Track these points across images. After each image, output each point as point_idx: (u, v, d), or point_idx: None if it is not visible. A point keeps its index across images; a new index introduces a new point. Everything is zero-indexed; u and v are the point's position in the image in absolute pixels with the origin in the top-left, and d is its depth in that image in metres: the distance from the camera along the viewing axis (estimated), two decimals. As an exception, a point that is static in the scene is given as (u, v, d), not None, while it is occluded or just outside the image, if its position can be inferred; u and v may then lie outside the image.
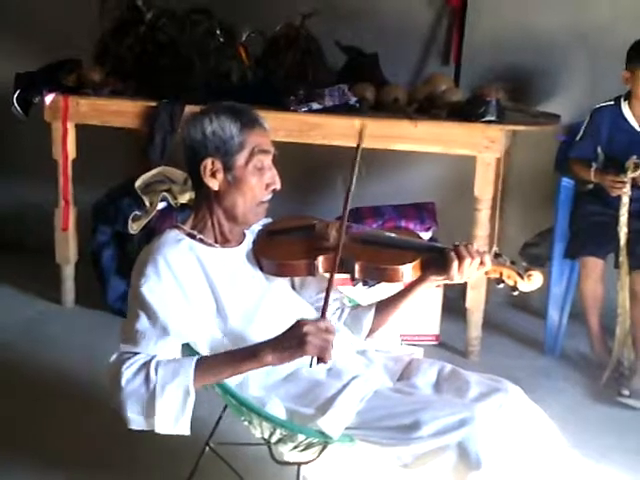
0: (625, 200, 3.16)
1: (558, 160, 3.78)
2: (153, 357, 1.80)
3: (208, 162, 1.94)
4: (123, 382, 1.76)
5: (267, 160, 1.99)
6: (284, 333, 1.77)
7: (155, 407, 1.75)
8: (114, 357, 1.83)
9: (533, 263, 3.55)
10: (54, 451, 2.63)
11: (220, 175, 1.95)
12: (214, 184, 1.96)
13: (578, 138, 3.44)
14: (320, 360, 1.75)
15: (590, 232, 3.34)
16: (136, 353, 1.81)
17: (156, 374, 1.76)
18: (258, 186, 1.97)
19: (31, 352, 3.32)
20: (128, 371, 1.77)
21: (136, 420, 1.79)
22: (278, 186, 2.00)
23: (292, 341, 1.74)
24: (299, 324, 1.75)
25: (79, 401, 2.95)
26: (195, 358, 1.82)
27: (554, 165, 3.79)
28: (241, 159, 1.95)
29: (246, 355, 1.80)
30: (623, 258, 3.17)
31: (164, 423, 1.78)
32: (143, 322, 1.84)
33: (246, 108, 2.01)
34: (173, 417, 1.78)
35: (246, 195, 1.97)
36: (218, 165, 1.94)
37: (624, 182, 3.16)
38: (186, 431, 1.81)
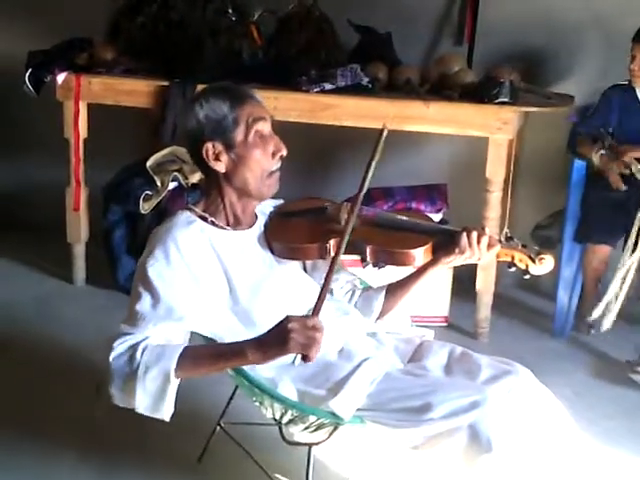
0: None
1: (571, 141, 3.75)
2: (145, 339, 1.80)
3: (209, 146, 1.94)
4: (111, 358, 1.78)
5: (266, 127, 1.97)
6: (269, 330, 1.73)
7: (135, 387, 1.76)
8: (114, 333, 1.84)
9: (544, 245, 3.56)
10: (64, 429, 2.65)
11: (224, 156, 1.95)
12: (220, 166, 1.95)
13: (589, 114, 3.43)
14: (305, 358, 1.68)
15: (600, 218, 3.33)
16: (131, 334, 1.82)
17: (141, 356, 1.76)
18: (264, 157, 1.96)
19: (42, 330, 3.34)
20: (118, 348, 1.79)
21: (118, 397, 1.81)
22: (284, 152, 1.98)
23: (276, 338, 1.69)
24: (285, 320, 1.69)
25: (89, 380, 2.95)
26: (182, 346, 1.81)
27: (566, 146, 3.77)
28: (239, 134, 1.94)
29: (232, 351, 1.79)
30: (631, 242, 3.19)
31: (143, 405, 1.79)
32: (145, 303, 1.84)
33: (234, 85, 2.01)
34: (152, 401, 1.78)
35: (254, 169, 1.96)
36: (219, 147, 1.94)
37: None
38: (166, 417, 1.81)
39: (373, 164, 1.90)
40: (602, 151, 3.29)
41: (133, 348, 1.78)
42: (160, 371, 1.76)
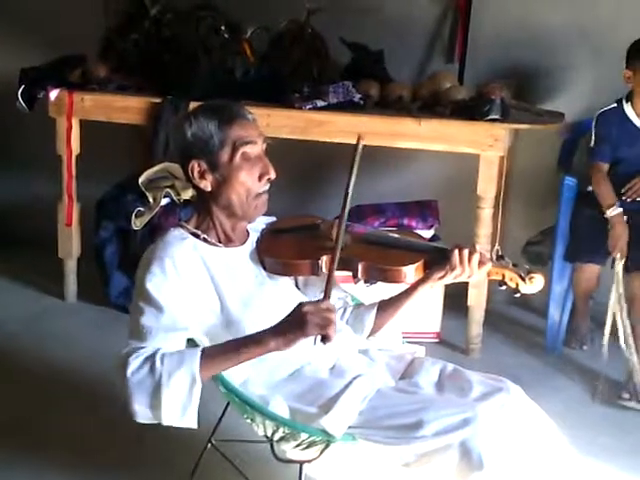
0: None
1: (561, 158, 3.78)
2: (158, 349, 1.80)
3: (194, 165, 1.95)
4: (129, 373, 1.76)
5: (255, 150, 1.97)
6: (286, 317, 1.78)
7: (161, 397, 1.75)
8: (123, 351, 1.83)
9: (535, 261, 3.58)
10: (56, 446, 2.64)
11: (209, 176, 1.96)
12: (205, 185, 1.97)
13: (592, 144, 3.40)
14: (324, 338, 1.74)
15: (589, 237, 3.34)
16: (143, 347, 1.82)
17: (162, 364, 1.76)
18: (250, 179, 1.96)
19: (34, 346, 3.33)
20: (134, 362, 1.77)
21: (142, 412, 1.78)
22: (272, 175, 1.98)
23: (294, 323, 1.75)
24: (299, 306, 1.77)
25: (81, 396, 2.96)
26: (200, 347, 1.83)
27: (557, 163, 3.79)
28: (224, 156, 1.94)
29: (250, 342, 1.81)
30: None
31: (171, 414, 1.78)
32: (149, 317, 1.85)
33: (225, 104, 2.01)
34: (180, 407, 1.77)
35: (239, 190, 1.96)
36: (204, 166, 1.95)
37: None
38: (193, 423, 1.80)
39: (352, 179, 1.89)
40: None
41: (151, 359, 1.77)
42: (185, 375, 1.75)
